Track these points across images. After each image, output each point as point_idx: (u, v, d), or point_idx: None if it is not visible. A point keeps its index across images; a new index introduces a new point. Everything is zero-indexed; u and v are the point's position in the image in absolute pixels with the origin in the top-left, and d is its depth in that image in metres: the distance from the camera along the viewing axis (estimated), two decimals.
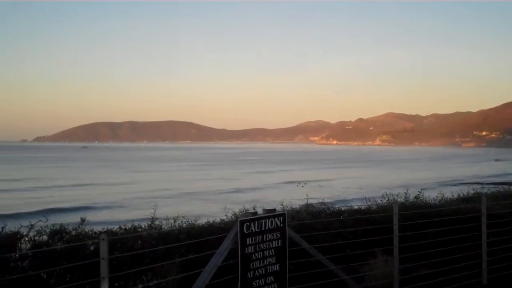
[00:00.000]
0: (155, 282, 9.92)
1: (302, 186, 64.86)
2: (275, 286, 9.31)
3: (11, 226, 10.09)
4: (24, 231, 9.98)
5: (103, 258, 7.20)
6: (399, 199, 14.52)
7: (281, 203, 13.62)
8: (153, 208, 11.80)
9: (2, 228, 9.95)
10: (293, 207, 14.12)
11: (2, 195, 51.11)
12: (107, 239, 7.34)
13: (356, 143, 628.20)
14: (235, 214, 12.55)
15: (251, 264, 8.93)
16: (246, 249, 8.83)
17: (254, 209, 11.52)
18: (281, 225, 9.43)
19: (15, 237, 9.63)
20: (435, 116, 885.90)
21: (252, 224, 8.92)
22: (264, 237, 9.11)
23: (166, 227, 11.35)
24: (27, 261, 9.59)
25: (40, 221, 10.66)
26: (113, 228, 10.98)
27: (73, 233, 10.24)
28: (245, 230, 8.80)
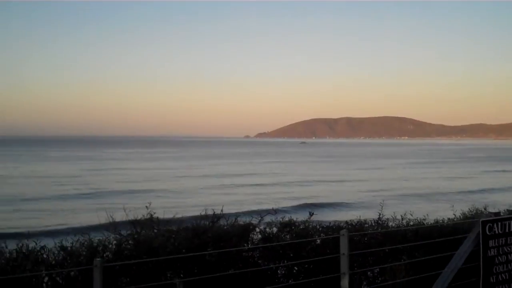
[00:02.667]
0: (384, 283, 9.62)
1: None
2: None
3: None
4: (254, 222, 10.28)
5: (343, 254, 7.08)
6: None
7: None
8: (380, 205, 11.49)
9: (235, 218, 10.34)
10: None
11: (234, 190, 53.31)
12: (347, 235, 7.20)
13: None
14: (464, 215, 11.83)
15: (493, 268, 8.26)
16: (489, 251, 8.18)
17: (485, 209, 10.75)
18: None
19: (248, 228, 9.92)
20: None
21: (495, 225, 8.24)
22: (508, 239, 8.36)
23: (393, 224, 11.00)
24: (258, 252, 9.83)
25: (269, 213, 10.90)
26: (339, 223, 10.88)
27: (301, 227, 10.32)
28: (487, 232, 8.15)
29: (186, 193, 49.51)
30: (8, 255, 7.31)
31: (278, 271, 9.95)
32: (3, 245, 7.54)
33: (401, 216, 11.22)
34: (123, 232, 8.84)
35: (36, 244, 7.70)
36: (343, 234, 7.15)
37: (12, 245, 7.57)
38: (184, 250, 8.49)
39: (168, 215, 10.20)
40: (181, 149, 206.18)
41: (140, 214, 9.52)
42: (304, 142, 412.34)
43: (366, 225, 10.74)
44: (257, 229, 10.11)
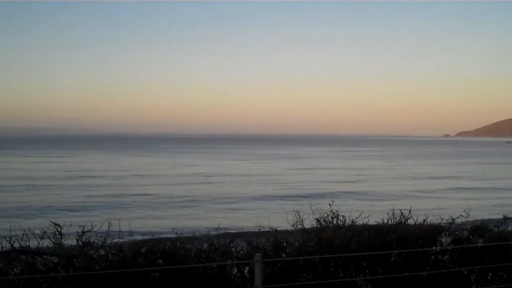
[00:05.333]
0: None
1: None
2: None
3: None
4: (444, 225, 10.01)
5: None
6: None
7: None
8: None
9: (424, 220, 10.11)
10: None
11: (436, 194, 50.67)
12: None
13: None
14: None
15: None
16: None
17: None
18: None
19: (436, 230, 9.66)
20: None
21: None
22: None
23: None
24: (447, 256, 9.54)
25: (461, 216, 10.51)
26: None
27: (495, 231, 9.83)
28: None
29: (386, 195, 48.60)
30: (198, 247, 7.88)
31: (471, 277, 9.56)
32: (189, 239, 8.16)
33: None
34: (308, 230, 9.11)
35: (224, 239, 8.22)
36: None
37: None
38: (366, 250, 8.49)
39: (354, 215, 10.21)
40: (381, 148, 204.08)
41: (325, 213, 9.72)
42: (510, 142, 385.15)
43: None
44: (446, 232, 9.81)
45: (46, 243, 7.94)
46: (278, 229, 9.17)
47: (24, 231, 7.97)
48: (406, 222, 10.16)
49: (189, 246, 7.83)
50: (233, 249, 8.17)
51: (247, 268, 8.06)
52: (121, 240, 8.17)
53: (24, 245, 7.79)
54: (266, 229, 9.35)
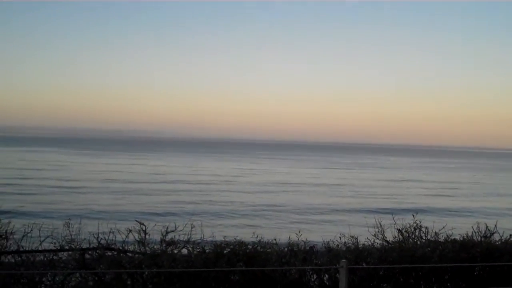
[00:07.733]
0: None
1: None
2: None
3: None
4: None
5: None
6: None
7: None
8: None
9: (510, 235, 9.81)
10: None
11: None
12: None
13: None
14: None
15: None
16: None
17: None
18: None
19: None
20: None
21: None
22: None
23: None
24: None
25: None
26: None
27: None
28: None
29: (473, 211, 46.74)
30: (279, 252, 7.95)
31: None
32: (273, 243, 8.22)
33: None
34: (390, 240, 9.03)
35: (305, 243, 8.24)
36: None
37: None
38: (449, 263, 8.32)
39: (437, 227, 9.99)
40: (466, 160, 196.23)
41: (408, 223, 9.58)
42: None
43: None
44: None
45: (131, 241, 8.23)
46: (358, 238, 9.10)
47: (111, 230, 8.30)
48: (491, 237, 9.88)
49: (270, 250, 7.92)
50: (313, 255, 8.19)
51: (326, 275, 8.06)
52: (204, 242, 8.34)
53: (110, 243, 8.13)
54: (347, 238, 9.31)
